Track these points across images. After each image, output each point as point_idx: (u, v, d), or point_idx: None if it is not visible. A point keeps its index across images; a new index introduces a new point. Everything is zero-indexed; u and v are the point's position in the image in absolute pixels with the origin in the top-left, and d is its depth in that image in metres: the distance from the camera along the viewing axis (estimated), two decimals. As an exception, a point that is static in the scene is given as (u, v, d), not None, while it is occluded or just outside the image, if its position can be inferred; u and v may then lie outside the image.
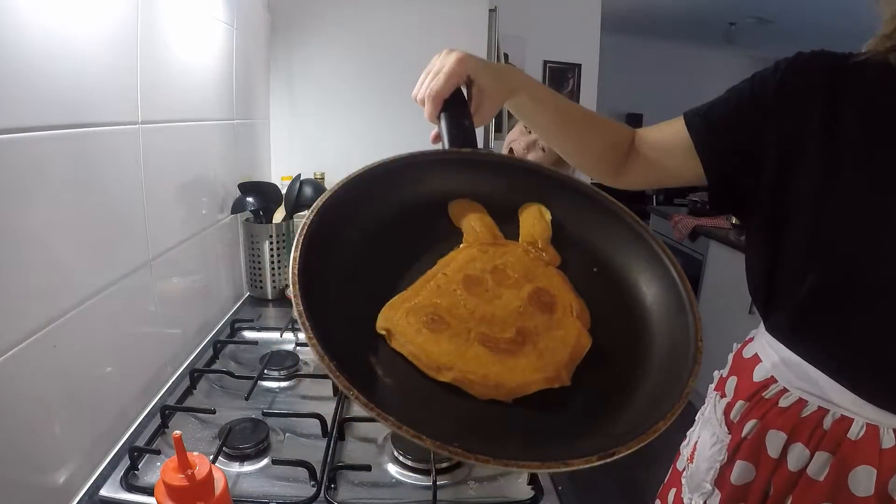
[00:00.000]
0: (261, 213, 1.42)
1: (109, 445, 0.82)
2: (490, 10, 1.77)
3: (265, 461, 0.79)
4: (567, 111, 0.75)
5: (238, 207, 1.36)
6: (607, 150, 0.77)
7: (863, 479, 0.60)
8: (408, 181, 0.57)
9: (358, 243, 0.47)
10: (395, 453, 0.79)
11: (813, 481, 0.63)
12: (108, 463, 0.79)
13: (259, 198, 1.39)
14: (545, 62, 3.84)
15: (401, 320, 0.40)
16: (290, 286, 0.40)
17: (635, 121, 5.78)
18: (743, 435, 0.69)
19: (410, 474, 0.77)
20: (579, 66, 3.89)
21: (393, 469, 0.78)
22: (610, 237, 0.50)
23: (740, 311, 2.35)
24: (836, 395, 0.61)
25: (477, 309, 0.42)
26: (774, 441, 0.66)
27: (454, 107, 0.59)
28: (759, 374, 0.69)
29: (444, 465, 0.77)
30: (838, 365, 0.61)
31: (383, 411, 0.33)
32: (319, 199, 0.48)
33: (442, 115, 0.60)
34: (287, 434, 0.86)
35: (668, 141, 0.73)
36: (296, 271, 0.40)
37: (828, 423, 0.62)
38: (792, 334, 0.65)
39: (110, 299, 0.81)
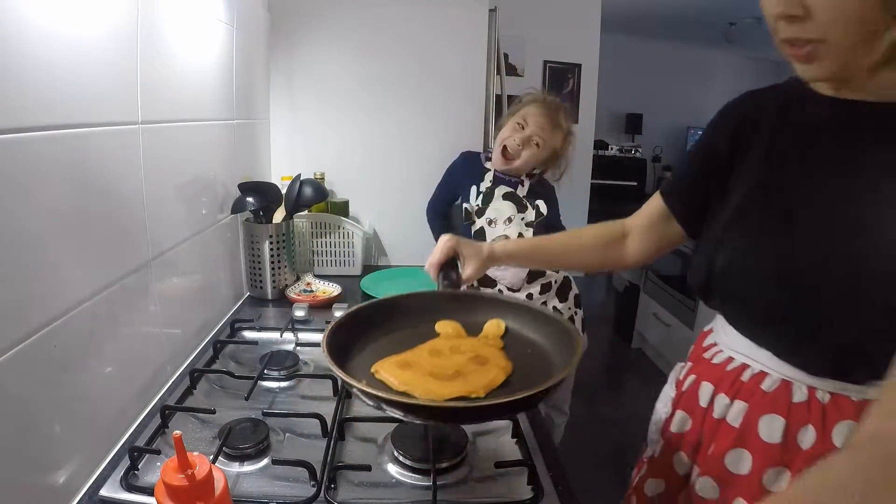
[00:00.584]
0: (261, 213, 1.42)
1: (109, 445, 0.82)
2: (490, 10, 1.77)
3: (265, 461, 0.79)
4: (548, 251, 0.97)
5: (238, 207, 1.36)
6: (602, 254, 0.94)
7: (771, 427, 0.68)
8: (413, 303, 0.84)
9: (373, 334, 0.79)
10: (395, 453, 0.79)
11: (730, 427, 0.72)
12: (108, 463, 0.79)
13: (259, 198, 1.39)
14: (545, 62, 3.85)
15: (385, 365, 0.68)
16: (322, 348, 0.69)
17: (635, 120, 5.79)
18: (683, 389, 0.82)
19: (410, 474, 0.77)
20: (579, 66, 3.89)
21: (393, 469, 0.78)
22: (539, 331, 0.80)
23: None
24: (755, 352, 0.71)
25: (433, 363, 0.68)
26: (705, 392, 0.77)
27: (446, 267, 0.93)
28: (706, 342, 0.82)
29: (445, 465, 0.77)
30: (753, 328, 0.72)
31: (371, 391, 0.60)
32: (352, 308, 0.80)
33: (440, 273, 0.92)
34: (287, 434, 0.86)
35: (654, 217, 0.88)
36: (327, 338, 0.70)
37: (747, 376, 0.72)
38: (722, 305, 0.77)
39: (110, 299, 0.81)
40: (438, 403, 0.61)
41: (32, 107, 0.63)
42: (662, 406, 0.86)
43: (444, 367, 0.67)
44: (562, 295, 1.58)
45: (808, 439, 0.66)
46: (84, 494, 0.73)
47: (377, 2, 1.67)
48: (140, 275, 0.91)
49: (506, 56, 3.27)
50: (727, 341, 0.76)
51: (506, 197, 1.52)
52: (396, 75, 1.72)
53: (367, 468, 0.75)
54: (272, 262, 1.44)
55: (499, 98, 2.03)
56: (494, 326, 0.80)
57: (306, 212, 1.61)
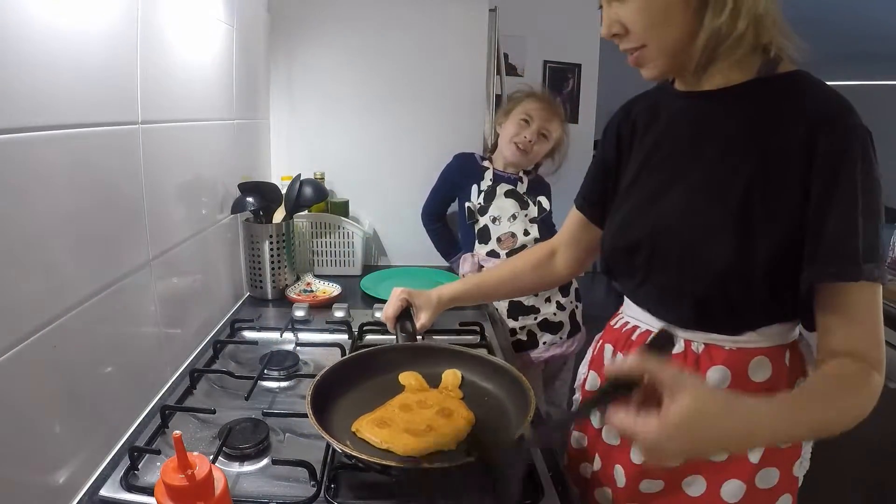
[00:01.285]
0: (261, 213, 1.42)
1: (109, 445, 0.82)
2: (490, 10, 1.77)
3: (265, 461, 0.79)
4: (488, 286, 1.08)
5: (238, 207, 1.36)
6: (536, 275, 1.05)
7: None
8: (376, 359, 0.93)
9: (345, 390, 0.86)
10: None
11: None
12: (108, 463, 0.79)
13: (259, 198, 1.39)
14: (545, 62, 3.84)
15: (364, 424, 0.76)
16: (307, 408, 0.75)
17: (635, 121, 5.78)
18: (594, 352, 0.96)
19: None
20: (579, 66, 3.88)
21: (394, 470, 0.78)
22: (492, 379, 0.90)
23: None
24: (640, 314, 0.85)
25: (406, 419, 0.77)
26: (608, 352, 0.90)
27: (402, 319, 1.01)
28: (618, 313, 0.94)
29: (446, 465, 0.77)
30: (633, 293, 0.86)
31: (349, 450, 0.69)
32: (323, 370, 0.85)
33: (397, 324, 1.00)
34: (287, 434, 0.86)
35: (574, 229, 1.00)
36: (309, 400, 0.76)
37: (636, 335, 0.85)
38: (616, 279, 0.88)
39: (110, 299, 0.81)
40: (417, 466, 0.70)
41: (33, 107, 0.63)
42: (582, 368, 0.99)
43: (416, 422, 0.76)
44: (564, 290, 1.61)
45: None
46: (84, 494, 0.73)
47: (377, 2, 1.66)
48: (140, 275, 0.91)
49: (506, 56, 3.27)
50: (625, 309, 0.90)
51: (508, 194, 1.56)
52: (396, 75, 1.72)
53: (368, 468, 0.75)
54: (272, 262, 1.44)
55: (499, 98, 2.03)
56: (451, 376, 0.90)
57: (306, 212, 1.61)
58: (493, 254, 1.57)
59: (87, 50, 0.74)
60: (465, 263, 1.61)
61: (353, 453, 0.68)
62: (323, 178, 1.70)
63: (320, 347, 1.16)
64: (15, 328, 0.61)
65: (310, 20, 1.66)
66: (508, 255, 1.54)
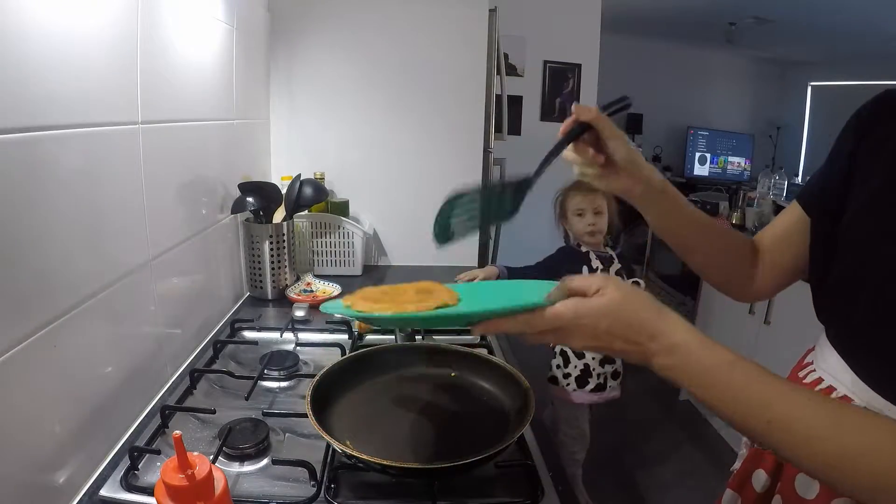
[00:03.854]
0: (261, 213, 1.42)
1: (109, 445, 0.82)
2: (490, 10, 1.77)
3: (265, 461, 0.79)
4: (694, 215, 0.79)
5: (238, 207, 1.36)
6: (733, 262, 0.79)
7: None
8: (376, 359, 0.92)
9: (343, 391, 0.86)
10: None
11: None
12: (108, 463, 0.79)
13: (259, 198, 1.39)
14: (545, 62, 3.84)
15: (357, 302, 0.65)
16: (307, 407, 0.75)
17: (635, 121, 5.78)
18: None
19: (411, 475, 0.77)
20: (579, 66, 3.88)
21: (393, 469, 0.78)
22: (493, 380, 0.90)
23: (741, 310, 2.35)
24: (842, 374, 0.63)
25: (391, 296, 0.66)
26: None
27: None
28: (807, 359, 0.73)
29: (446, 465, 0.77)
30: (842, 345, 0.64)
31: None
32: (323, 370, 0.85)
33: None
34: (287, 434, 0.86)
35: (786, 227, 0.76)
36: (309, 400, 0.76)
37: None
38: (827, 317, 0.68)
39: (110, 299, 0.81)
40: (419, 465, 0.70)
41: (33, 107, 0.63)
42: None
43: (402, 297, 0.66)
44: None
45: None
46: (84, 494, 0.73)
47: (377, 2, 1.66)
48: (140, 275, 0.91)
49: (506, 56, 3.26)
50: (820, 361, 0.68)
51: (617, 273, 1.78)
52: (397, 75, 1.72)
53: (368, 468, 0.75)
54: (272, 262, 1.44)
55: (499, 98, 2.03)
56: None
57: (306, 212, 1.61)
58: None
59: (88, 50, 0.74)
60: None
61: (353, 453, 0.68)
62: (323, 178, 1.70)
63: (320, 347, 1.16)
64: (15, 328, 0.61)
65: (310, 20, 1.66)
66: None
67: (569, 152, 0.70)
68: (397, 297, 0.66)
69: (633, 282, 1.77)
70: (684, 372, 0.52)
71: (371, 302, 0.65)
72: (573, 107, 0.68)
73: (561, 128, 0.69)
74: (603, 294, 0.53)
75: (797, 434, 0.48)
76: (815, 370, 0.68)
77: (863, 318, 0.60)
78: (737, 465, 0.79)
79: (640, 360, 0.54)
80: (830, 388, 0.64)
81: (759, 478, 0.72)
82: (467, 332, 1.23)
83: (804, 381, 0.69)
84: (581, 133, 0.68)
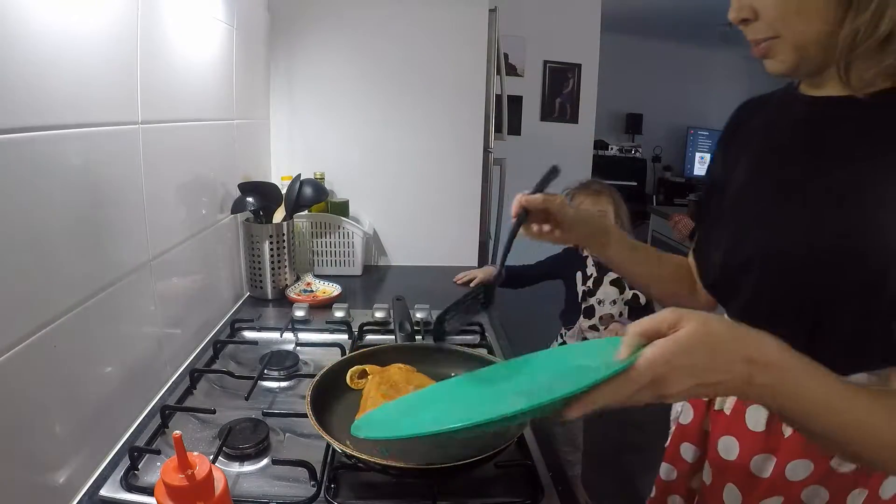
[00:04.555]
0: (261, 213, 1.42)
1: (109, 445, 0.82)
2: (490, 10, 1.77)
3: (265, 461, 0.79)
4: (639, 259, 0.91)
5: (238, 207, 1.36)
6: (679, 286, 0.90)
7: (756, 415, 0.72)
8: (376, 359, 0.92)
9: (343, 391, 0.87)
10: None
11: (724, 416, 0.77)
12: (108, 463, 0.79)
13: (259, 198, 1.39)
14: (545, 62, 3.85)
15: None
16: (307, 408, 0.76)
17: (635, 121, 5.79)
18: None
19: (411, 474, 0.77)
20: (579, 66, 3.89)
21: (393, 469, 0.78)
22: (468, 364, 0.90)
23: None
24: None
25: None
26: None
27: (401, 319, 1.00)
28: None
29: (446, 465, 0.77)
30: (741, 315, 0.73)
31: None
32: (323, 370, 0.86)
33: (396, 325, 0.97)
34: (287, 434, 0.86)
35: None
36: (309, 400, 0.77)
37: None
38: (723, 299, 0.80)
39: (110, 299, 0.81)
40: (419, 465, 0.69)
41: (33, 107, 0.63)
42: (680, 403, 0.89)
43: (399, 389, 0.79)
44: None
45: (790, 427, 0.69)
46: (84, 494, 0.73)
47: (377, 2, 1.67)
48: (140, 275, 0.91)
49: (506, 56, 3.27)
50: None
51: (612, 283, 1.77)
52: (396, 75, 1.72)
53: (368, 468, 0.75)
54: (272, 262, 1.44)
55: (499, 98, 2.03)
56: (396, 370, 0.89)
57: (306, 212, 1.61)
58: (594, 328, 1.79)
59: (88, 50, 0.74)
60: (571, 339, 1.83)
61: (353, 453, 0.68)
62: (323, 178, 1.70)
63: (320, 347, 1.16)
64: (15, 328, 0.61)
65: (310, 20, 1.66)
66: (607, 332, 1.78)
67: (525, 231, 0.84)
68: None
69: (633, 294, 1.78)
70: (784, 389, 0.49)
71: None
72: (517, 197, 0.81)
73: (512, 211, 0.82)
74: (682, 326, 0.48)
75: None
76: None
77: (749, 299, 0.71)
78: (668, 442, 0.91)
79: (739, 390, 0.50)
80: None
81: (688, 450, 0.84)
82: (467, 333, 1.23)
83: None
84: (527, 215, 0.81)
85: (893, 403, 0.51)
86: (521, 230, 0.82)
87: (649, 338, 0.49)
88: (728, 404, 0.77)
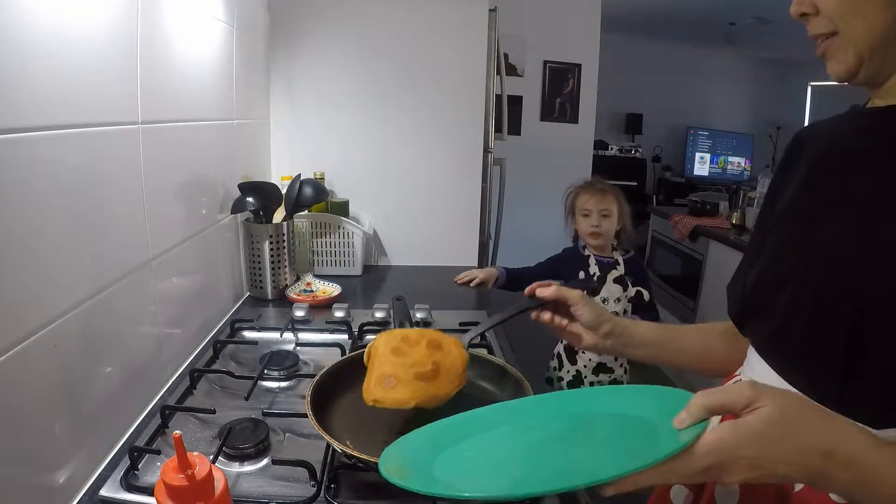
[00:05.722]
0: (261, 213, 1.42)
1: (109, 445, 0.82)
2: (490, 10, 1.77)
3: (265, 461, 0.79)
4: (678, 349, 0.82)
5: (238, 207, 1.36)
6: (722, 351, 0.78)
7: None
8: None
9: (343, 391, 0.84)
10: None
11: None
12: (108, 463, 0.79)
13: (259, 198, 1.39)
14: (545, 62, 3.84)
15: (375, 390, 0.74)
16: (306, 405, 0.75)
17: (635, 121, 5.78)
18: None
19: (410, 474, 0.77)
20: (579, 66, 3.89)
21: (393, 469, 0.78)
22: (493, 380, 0.89)
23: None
24: (768, 378, 0.63)
25: (407, 363, 0.74)
26: (714, 419, 0.67)
27: (401, 319, 0.97)
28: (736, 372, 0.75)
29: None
30: (767, 347, 0.65)
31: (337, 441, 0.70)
32: (323, 370, 0.84)
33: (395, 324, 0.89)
34: (287, 434, 0.86)
35: None
36: (309, 400, 0.76)
37: None
38: (749, 325, 0.70)
39: (110, 299, 0.81)
40: None
41: (33, 107, 0.63)
42: None
43: (419, 363, 0.73)
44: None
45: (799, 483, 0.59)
46: (84, 494, 0.73)
47: (377, 2, 1.67)
48: (140, 275, 0.91)
49: (506, 56, 3.27)
50: (745, 369, 0.70)
51: (616, 280, 1.76)
52: (397, 75, 1.72)
53: (367, 468, 0.75)
54: (272, 262, 1.44)
55: (499, 98, 2.03)
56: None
57: (306, 212, 1.61)
58: None
59: (88, 50, 0.74)
60: None
61: (353, 453, 0.68)
62: (323, 178, 1.70)
63: (320, 347, 1.16)
64: (15, 328, 0.61)
65: (310, 20, 1.66)
66: None
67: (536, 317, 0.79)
68: (409, 361, 0.72)
69: (637, 291, 1.77)
70: (865, 486, 0.45)
71: (384, 386, 0.71)
72: (533, 288, 0.78)
73: (526, 289, 0.78)
74: (758, 409, 0.44)
75: None
76: (740, 378, 0.70)
77: (780, 322, 0.62)
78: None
79: (809, 479, 0.46)
80: None
81: (679, 495, 0.72)
82: (466, 331, 1.22)
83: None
84: (540, 305, 0.78)
85: None
86: (533, 314, 0.79)
87: (717, 414, 0.45)
88: None
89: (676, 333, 0.83)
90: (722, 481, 0.45)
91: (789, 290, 0.61)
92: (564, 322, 0.79)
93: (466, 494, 0.48)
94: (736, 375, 0.72)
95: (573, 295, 0.77)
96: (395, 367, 0.74)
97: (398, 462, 0.55)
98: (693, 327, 0.85)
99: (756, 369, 0.66)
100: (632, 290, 1.78)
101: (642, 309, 1.79)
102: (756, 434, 0.43)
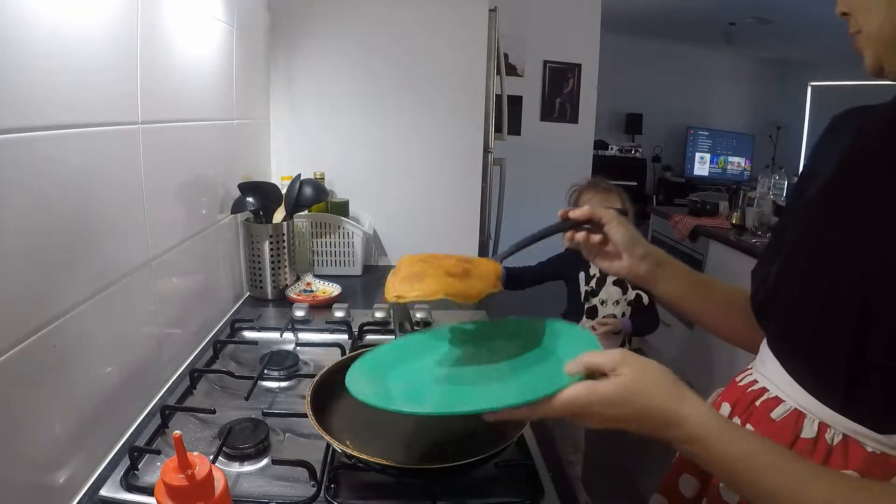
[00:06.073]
0: (261, 213, 1.42)
1: (109, 445, 0.82)
2: (490, 10, 1.77)
3: (265, 461, 0.79)
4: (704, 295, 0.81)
5: (238, 207, 1.36)
6: (741, 316, 0.76)
7: None
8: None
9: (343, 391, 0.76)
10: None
11: None
12: (108, 463, 0.79)
13: (259, 198, 1.39)
14: (545, 62, 3.84)
15: (399, 286, 0.65)
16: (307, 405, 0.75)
17: (635, 121, 5.78)
18: None
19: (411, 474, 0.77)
20: (579, 66, 3.89)
21: (393, 469, 0.78)
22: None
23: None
24: (776, 375, 0.65)
25: (434, 264, 0.67)
26: (723, 412, 0.70)
27: (401, 319, 0.88)
28: (746, 366, 0.76)
29: (446, 465, 0.77)
30: (779, 344, 0.66)
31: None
32: (323, 370, 0.83)
33: (397, 325, 0.87)
34: (287, 434, 0.86)
35: None
36: (309, 400, 0.76)
37: (760, 400, 0.66)
38: (765, 318, 0.70)
39: (110, 299, 0.81)
40: (419, 466, 0.70)
41: (33, 107, 0.63)
42: None
43: (447, 265, 0.66)
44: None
45: None
46: (84, 494, 0.73)
47: (377, 2, 1.67)
48: (140, 275, 0.91)
49: (506, 56, 3.27)
50: (757, 364, 0.71)
51: (615, 283, 1.78)
52: (397, 75, 1.72)
53: (368, 468, 0.75)
54: (272, 262, 1.44)
55: (499, 98, 2.03)
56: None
57: (306, 212, 1.61)
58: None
59: (88, 50, 0.74)
60: None
61: (353, 453, 0.68)
62: (323, 178, 1.70)
63: (320, 347, 1.16)
64: (15, 328, 0.61)
65: (310, 20, 1.66)
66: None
67: (570, 239, 0.76)
68: (437, 264, 0.67)
69: (636, 294, 1.76)
70: (703, 460, 0.52)
71: (410, 280, 0.65)
72: (566, 211, 0.75)
73: (560, 212, 0.76)
74: (617, 376, 0.52)
75: None
76: (751, 373, 0.71)
77: (791, 320, 0.63)
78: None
79: (665, 441, 0.53)
80: (763, 390, 0.66)
81: (688, 483, 0.73)
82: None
83: (739, 384, 0.71)
84: (574, 226, 0.75)
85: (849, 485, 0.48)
86: (565, 234, 0.75)
87: (591, 372, 0.53)
88: None
89: (708, 280, 0.82)
90: (584, 425, 0.54)
91: (801, 288, 0.61)
92: (598, 237, 0.76)
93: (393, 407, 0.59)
94: (748, 369, 0.72)
95: (607, 214, 0.74)
96: (423, 267, 0.67)
97: (358, 376, 0.67)
98: (722, 285, 0.82)
99: (767, 365, 0.66)
100: (632, 293, 1.78)
101: (642, 312, 1.79)
102: (603, 395, 0.52)
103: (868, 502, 0.47)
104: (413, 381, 0.68)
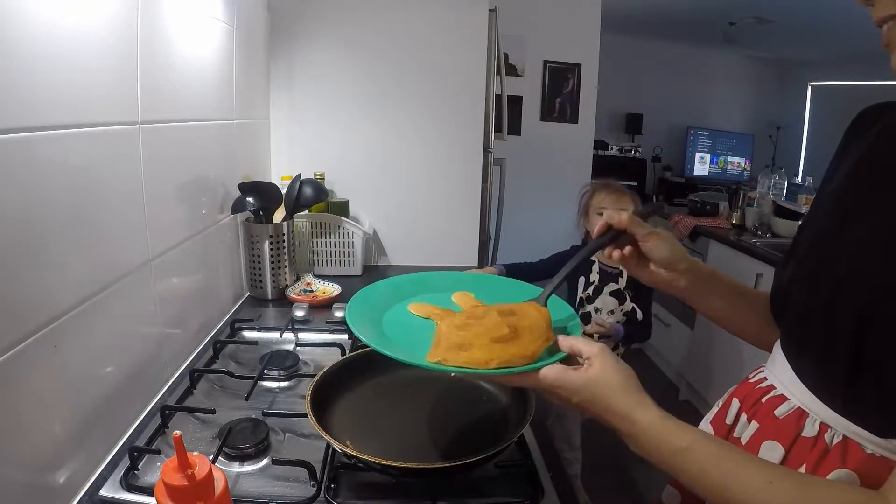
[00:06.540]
0: (261, 213, 1.42)
1: (109, 445, 0.82)
2: (490, 10, 1.77)
3: (265, 461, 0.79)
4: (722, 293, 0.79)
5: (238, 207, 1.36)
6: (768, 321, 0.74)
7: (770, 455, 0.62)
8: (376, 358, 0.84)
9: (343, 391, 0.86)
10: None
11: (736, 441, 0.68)
12: (108, 463, 0.79)
13: (259, 198, 1.39)
14: (545, 62, 3.84)
15: (445, 354, 0.61)
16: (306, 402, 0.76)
17: (635, 121, 5.78)
18: (719, 405, 0.76)
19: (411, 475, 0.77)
20: (579, 66, 3.88)
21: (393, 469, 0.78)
22: (493, 380, 0.87)
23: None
24: (784, 374, 0.65)
25: (479, 332, 0.63)
26: (733, 408, 0.72)
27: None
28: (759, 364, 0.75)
29: (446, 465, 0.77)
30: (787, 343, 0.66)
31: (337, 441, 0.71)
32: (323, 370, 0.85)
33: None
34: (287, 434, 0.86)
35: None
36: (309, 400, 0.76)
37: (767, 397, 0.66)
38: (774, 314, 0.71)
39: (110, 299, 0.81)
40: (419, 465, 0.69)
41: (33, 107, 0.63)
42: (703, 424, 0.78)
43: (492, 329, 0.62)
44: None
45: None
46: (84, 494, 0.73)
47: (377, 2, 1.66)
48: (140, 275, 0.91)
49: (506, 56, 3.27)
50: (769, 363, 0.70)
51: (612, 293, 1.77)
52: (397, 75, 1.72)
53: (368, 468, 0.75)
54: (272, 262, 1.44)
55: (499, 98, 2.03)
56: (463, 298, 0.82)
57: (306, 212, 1.61)
58: (588, 335, 1.80)
59: (88, 50, 0.74)
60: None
61: (353, 453, 0.68)
62: (323, 178, 1.70)
63: (320, 347, 1.16)
64: (15, 328, 0.61)
65: (310, 20, 1.66)
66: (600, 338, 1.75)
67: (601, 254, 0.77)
68: (479, 330, 0.63)
69: (632, 308, 1.76)
70: (647, 455, 0.58)
71: (455, 351, 0.61)
72: (604, 223, 0.73)
73: (595, 230, 0.74)
74: (588, 367, 0.59)
75: None
76: (763, 371, 0.71)
77: (799, 322, 0.63)
78: None
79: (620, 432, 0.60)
80: (771, 387, 0.67)
81: (674, 497, 0.77)
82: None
83: (750, 381, 0.71)
84: (612, 240, 0.72)
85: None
86: (604, 250, 0.73)
87: (575, 356, 0.61)
88: (746, 433, 0.67)
89: (746, 291, 0.80)
90: (549, 400, 0.62)
91: (808, 288, 0.62)
92: (628, 250, 0.73)
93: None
94: (761, 368, 0.72)
95: (643, 232, 0.71)
96: (466, 337, 0.62)
97: (358, 310, 0.71)
98: (759, 294, 0.79)
99: (777, 364, 0.66)
100: (628, 306, 1.77)
101: (634, 325, 1.77)
102: (569, 382, 0.58)
103: (794, 480, 0.51)
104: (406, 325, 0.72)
